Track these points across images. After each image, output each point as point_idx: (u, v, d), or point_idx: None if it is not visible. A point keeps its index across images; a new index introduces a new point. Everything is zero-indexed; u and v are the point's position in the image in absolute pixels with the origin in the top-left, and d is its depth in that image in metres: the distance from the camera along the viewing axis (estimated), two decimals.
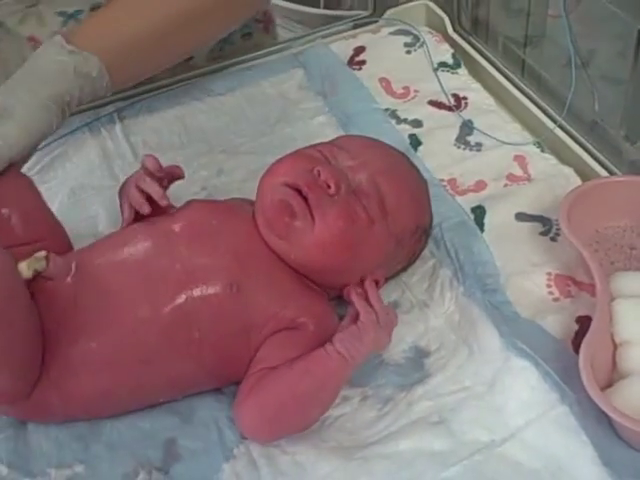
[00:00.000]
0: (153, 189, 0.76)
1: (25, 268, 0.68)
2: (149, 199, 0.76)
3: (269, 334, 0.71)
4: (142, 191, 0.76)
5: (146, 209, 0.76)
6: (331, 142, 0.79)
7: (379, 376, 0.74)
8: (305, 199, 0.70)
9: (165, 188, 0.78)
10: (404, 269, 0.82)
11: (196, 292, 0.69)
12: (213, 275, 0.69)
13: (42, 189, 0.80)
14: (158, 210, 0.77)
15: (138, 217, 0.78)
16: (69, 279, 0.70)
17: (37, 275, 0.69)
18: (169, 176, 0.79)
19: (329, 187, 0.70)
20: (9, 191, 0.74)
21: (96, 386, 0.69)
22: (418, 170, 0.81)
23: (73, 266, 0.70)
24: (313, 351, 0.69)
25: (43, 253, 0.69)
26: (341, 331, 0.70)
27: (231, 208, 0.77)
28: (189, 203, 0.77)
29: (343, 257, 0.72)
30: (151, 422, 0.72)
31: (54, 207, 0.86)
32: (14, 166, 0.75)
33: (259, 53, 1.13)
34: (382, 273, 0.77)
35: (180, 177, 0.80)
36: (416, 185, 0.79)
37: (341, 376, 0.69)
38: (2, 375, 0.65)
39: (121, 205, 0.79)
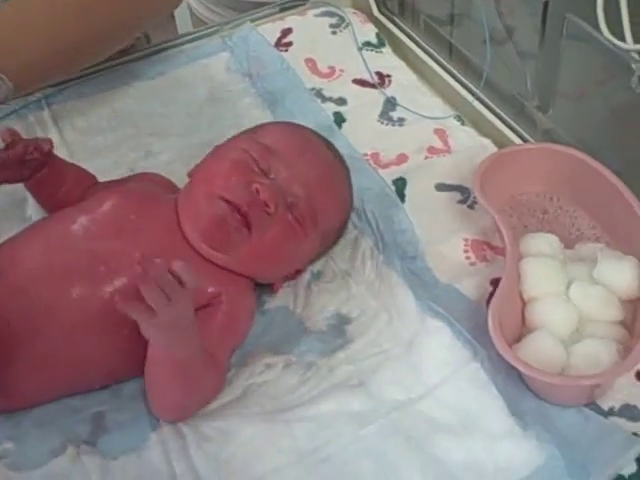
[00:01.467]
0: None
1: None
2: None
3: None
4: None
5: None
6: (261, 141, 0.76)
7: (302, 343, 0.76)
8: (242, 215, 0.71)
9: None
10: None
11: (119, 291, 0.69)
12: (134, 275, 0.68)
13: None
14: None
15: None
16: None
17: None
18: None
19: (268, 206, 0.71)
20: None
21: (36, 386, 0.70)
22: (341, 157, 0.82)
23: None
24: None
25: None
26: None
27: (152, 200, 0.77)
28: (106, 190, 0.77)
29: (275, 267, 0.76)
30: (80, 399, 0.73)
31: None
32: None
33: (188, 38, 1.14)
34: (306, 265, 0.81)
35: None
36: (343, 185, 0.81)
37: (175, 362, 0.67)
38: None
39: None
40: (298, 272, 0.80)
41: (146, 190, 0.80)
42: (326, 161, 0.79)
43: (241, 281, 0.75)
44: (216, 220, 0.71)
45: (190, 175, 0.79)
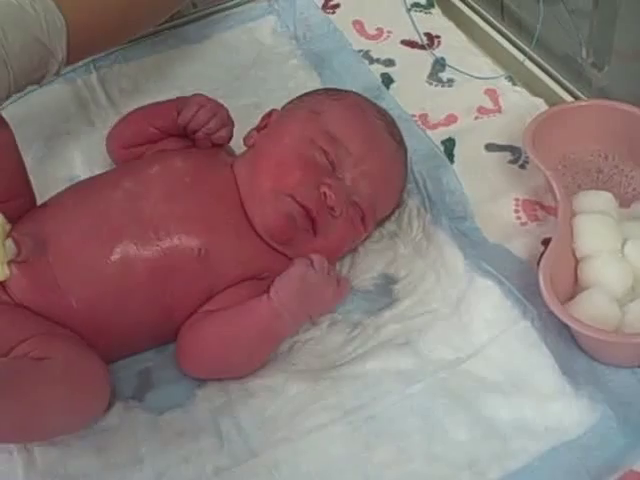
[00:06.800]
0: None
1: (1, 268, 0.67)
2: None
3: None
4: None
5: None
6: (327, 130, 0.75)
7: (348, 302, 0.75)
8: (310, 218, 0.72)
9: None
10: None
11: (168, 254, 0.70)
12: (183, 239, 0.70)
13: (18, 138, 0.79)
14: None
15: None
16: (40, 252, 0.69)
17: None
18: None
19: (334, 210, 0.72)
20: None
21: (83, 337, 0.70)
22: (401, 136, 0.81)
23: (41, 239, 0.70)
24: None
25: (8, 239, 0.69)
26: None
27: (207, 162, 0.77)
28: (163, 154, 0.78)
29: (332, 259, 0.74)
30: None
31: (30, 154, 0.87)
32: None
33: (234, 2, 1.13)
34: None
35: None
36: (402, 174, 0.81)
37: (271, 325, 0.69)
38: None
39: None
40: None
41: (202, 151, 0.79)
42: (390, 154, 0.78)
43: (285, 260, 0.74)
44: (285, 218, 0.71)
45: (247, 144, 0.78)
